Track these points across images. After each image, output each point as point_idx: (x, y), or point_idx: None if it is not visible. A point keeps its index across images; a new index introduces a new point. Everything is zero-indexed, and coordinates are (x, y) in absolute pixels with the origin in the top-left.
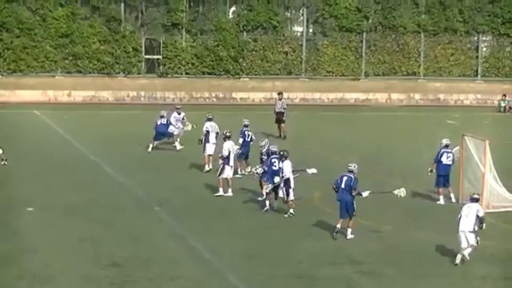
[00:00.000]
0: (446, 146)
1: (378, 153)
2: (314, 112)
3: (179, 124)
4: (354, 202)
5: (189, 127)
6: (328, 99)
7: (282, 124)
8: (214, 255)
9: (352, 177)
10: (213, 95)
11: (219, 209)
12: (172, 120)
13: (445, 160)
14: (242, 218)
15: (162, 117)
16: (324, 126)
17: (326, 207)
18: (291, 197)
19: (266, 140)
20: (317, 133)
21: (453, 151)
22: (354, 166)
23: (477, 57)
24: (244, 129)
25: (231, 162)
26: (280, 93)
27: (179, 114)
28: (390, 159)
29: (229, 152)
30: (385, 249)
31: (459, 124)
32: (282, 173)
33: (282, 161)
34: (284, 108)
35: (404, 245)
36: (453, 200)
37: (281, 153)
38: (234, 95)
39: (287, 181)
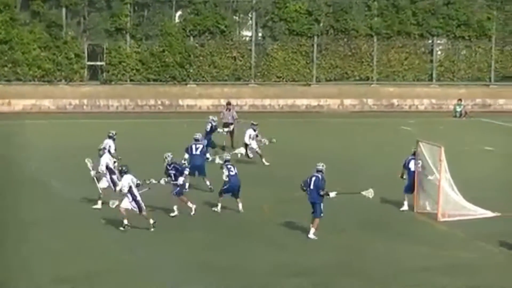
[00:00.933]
0: (415, 153)
1: (332, 161)
2: (264, 119)
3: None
4: (322, 204)
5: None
6: (279, 105)
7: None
8: (169, 267)
9: (320, 176)
10: (159, 102)
11: (175, 221)
12: (246, 137)
13: (412, 167)
14: (199, 230)
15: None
16: (275, 134)
17: (279, 217)
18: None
19: (169, 154)
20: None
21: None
22: (322, 166)
23: (431, 61)
24: (193, 143)
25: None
26: (228, 103)
27: (255, 131)
28: (344, 166)
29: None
30: (345, 259)
31: (414, 130)
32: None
33: (122, 176)
34: (235, 119)
35: (364, 255)
36: (405, 208)
37: (120, 168)
38: (181, 102)
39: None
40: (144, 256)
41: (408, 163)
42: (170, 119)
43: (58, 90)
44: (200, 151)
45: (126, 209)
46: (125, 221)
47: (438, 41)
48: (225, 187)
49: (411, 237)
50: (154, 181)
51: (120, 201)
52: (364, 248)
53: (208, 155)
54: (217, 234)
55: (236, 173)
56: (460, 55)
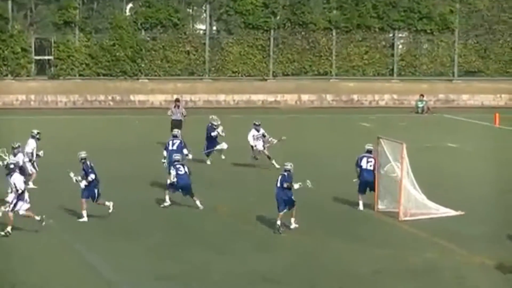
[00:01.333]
0: (368, 151)
1: (289, 159)
2: (218, 116)
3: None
4: (293, 196)
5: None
6: (234, 101)
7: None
8: (119, 276)
9: (286, 174)
10: (110, 98)
11: (124, 226)
12: (250, 138)
13: (364, 165)
14: (150, 236)
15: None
16: (229, 131)
17: (239, 222)
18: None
19: (84, 152)
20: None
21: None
22: (291, 165)
23: (392, 55)
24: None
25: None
26: (177, 100)
27: (258, 131)
28: (301, 164)
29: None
30: (303, 265)
31: (374, 127)
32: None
33: (11, 175)
34: (184, 116)
35: (317, 258)
36: (361, 208)
37: (8, 166)
38: (132, 97)
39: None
40: (90, 264)
41: (360, 161)
42: (121, 115)
43: (4, 85)
44: (177, 147)
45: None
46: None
47: (399, 35)
48: (172, 184)
49: (369, 238)
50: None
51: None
52: (318, 251)
53: (186, 151)
54: (169, 240)
55: (186, 172)
56: (422, 49)
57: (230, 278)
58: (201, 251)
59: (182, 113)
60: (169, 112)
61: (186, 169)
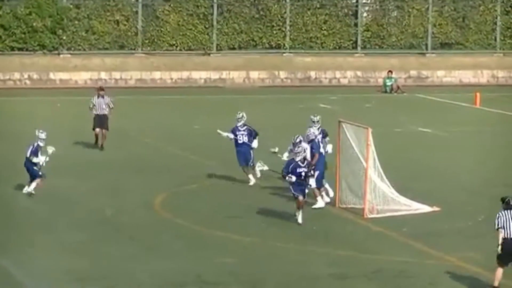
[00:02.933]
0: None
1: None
2: (153, 96)
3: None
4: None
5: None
6: (172, 79)
7: (104, 130)
8: (30, 277)
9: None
10: (26, 76)
11: (38, 220)
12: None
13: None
14: (66, 232)
15: None
16: (167, 114)
17: (169, 215)
18: None
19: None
20: (157, 124)
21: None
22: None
23: (356, 24)
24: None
25: None
26: (101, 89)
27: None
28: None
29: None
30: (245, 266)
31: (336, 108)
32: None
33: None
34: (110, 107)
35: (269, 260)
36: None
37: None
38: (52, 76)
39: None
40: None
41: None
42: (39, 96)
43: None
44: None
45: None
46: None
47: (364, 1)
48: None
49: (328, 238)
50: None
51: None
52: (264, 251)
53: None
54: (90, 235)
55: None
56: (391, 17)
57: (156, 278)
58: (121, 247)
59: (108, 105)
60: (90, 105)
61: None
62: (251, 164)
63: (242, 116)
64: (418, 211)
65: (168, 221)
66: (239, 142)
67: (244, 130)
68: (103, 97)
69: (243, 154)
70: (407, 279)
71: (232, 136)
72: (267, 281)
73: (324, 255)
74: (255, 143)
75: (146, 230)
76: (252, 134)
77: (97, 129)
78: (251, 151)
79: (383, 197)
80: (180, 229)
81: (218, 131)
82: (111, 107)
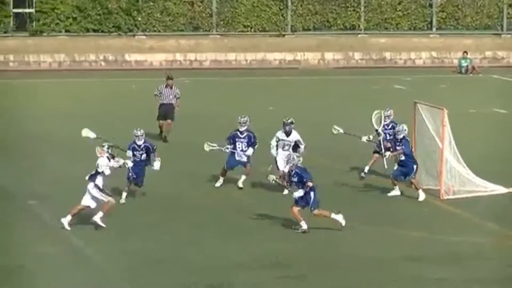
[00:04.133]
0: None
1: (313, 127)
2: (228, 78)
3: None
4: None
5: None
6: (246, 61)
7: (169, 120)
8: (107, 260)
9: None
10: (101, 57)
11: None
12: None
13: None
14: (135, 217)
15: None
16: (242, 95)
17: (252, 200)
18: None
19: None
20: (231, 106)
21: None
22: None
23: (431, 5)
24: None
25: None
26: (169, 78)
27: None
28: (327, 133)
29: None
30: (317, 249)
31: (411, 89)
32: None
33: None
34: (177, 98)
35: (342, 243)
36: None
37: None
38: (127, 57)
39: None
40: (75, 248)
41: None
42: (115, 78)
43: None
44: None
45: None
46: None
47: None
48: None
49: (405, 219)
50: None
51: None
52: (340, 234)
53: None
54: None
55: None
56: None
57: (224, 261)
58: (189, 231)
59: (175, 96)
60: (156, 92)
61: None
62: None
63: (246, 120)
64: (494, 192)
65: (240, 203)
66: (238, 149)
67: (245, 137)
68: (171, 87)
69: (237, 162)
70: (484, 261)
71: (230, 147)
72: (339, 264)
73: (398, 236)
74: (250, 151)
75: (222, 212)
76: (251, 140)
77: (161, 121)
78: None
79: (459, 178)
80: (256, 210)
81: (207, 146)
82: (178, 97)
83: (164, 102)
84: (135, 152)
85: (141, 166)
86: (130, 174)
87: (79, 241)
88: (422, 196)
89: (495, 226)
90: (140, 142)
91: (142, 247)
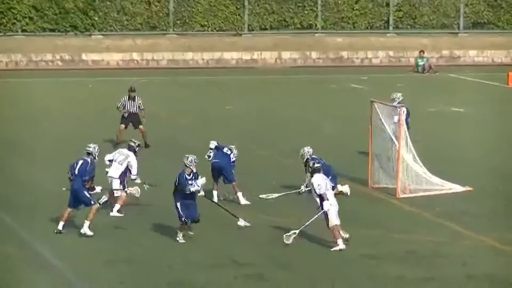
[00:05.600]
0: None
1: (269, 126)
2: (184, 77)
3: None
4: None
5: None
6: (203, 60)
7: (141, 127)
8: (65, 261)
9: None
10: (58, 57)
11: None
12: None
13: None
14: (96, 215)
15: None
16: (199, 95)
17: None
18: None
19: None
20: (188, 106)
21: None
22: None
23: (388, 4)
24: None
25: None
26: (132, 90)
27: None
28: (284, 133)
29: None
30: (273, 246)
31: (368, 88)
32: None
33: None
34: (141, 109)
35: (296, 240)
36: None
37: None
38: (84, 57)
39: None
40: (33, 249)
41: None
42: (72, 77)
43: None
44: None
45: None
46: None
47: None
48: None
49: (362, 218)
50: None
51: None
52: (300, 232)
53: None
54: (120, 218)
55: None
56: None
57: (187, 261)
58: (149, 231)
59: (139, 107)
60: (119, 104)
61: None
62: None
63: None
64: (451, 191)
65: (202, 203)
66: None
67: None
68: (134, 99)
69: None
70: (440, 259)
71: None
72: (297, 262)
73: (356, 235)
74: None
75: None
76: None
77: (122, 126)
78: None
79: (415, 176)
80: (212, 211)
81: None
82: (142, 108)
83: (131, 111)
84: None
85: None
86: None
87: (40, 244)
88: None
89: (452, 225)
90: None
91: (103, 248)
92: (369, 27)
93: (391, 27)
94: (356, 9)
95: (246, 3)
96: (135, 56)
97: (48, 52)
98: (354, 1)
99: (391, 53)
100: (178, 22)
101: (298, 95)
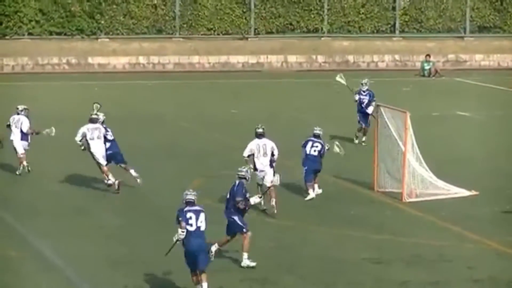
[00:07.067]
0: (315, 136)
1: (276, 129)
2: (190, 81)
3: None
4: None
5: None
6: (209, 63)
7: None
8: (67, 262)
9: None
10: (64, 60)
11: (73, 207)
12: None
13: (308, 150)
14: (103, 218)
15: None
16: (204, 98)
17: (207, 200)
18: None
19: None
20: (194, 109)
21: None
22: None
23: (394, 8)
24: None
25: None
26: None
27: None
28: (290, 136)
29: None
30: (278, 249)
31: (374, 92)
32: None
33: None
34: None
35: (304, 244)
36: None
37: None
38: (90, 60)
39: None
40: (35, 249)
41: (305, 145)
42: (78, 81)
43: None
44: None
45: None
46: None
47: None
48: None
49: (368, 222)
50: None
51: None
52: (305, 236)
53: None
54: (126, 220)
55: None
56: (429, 1)
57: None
58: (154, 232)
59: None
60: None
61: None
62: None
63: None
64: (457, 195)
65: (205, 207)
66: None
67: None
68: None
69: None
70: (446, 263)
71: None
72: (302, 266)
73: (361, 239)
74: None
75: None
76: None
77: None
78: None
79: (421, 181)
80: (216, 214)
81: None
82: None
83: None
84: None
85: None
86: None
87: (41, 244)
88: None
89: (457, 228)
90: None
91: (104, 249)
92: (375, 31)
93: (397, 31)
94: (362, 13)
95: (252, 7)
96: (141, 59)
97: (54, 55)
98: (360, 5)
99: (397, 57)
100: (184, 25)
101: (304, 99)
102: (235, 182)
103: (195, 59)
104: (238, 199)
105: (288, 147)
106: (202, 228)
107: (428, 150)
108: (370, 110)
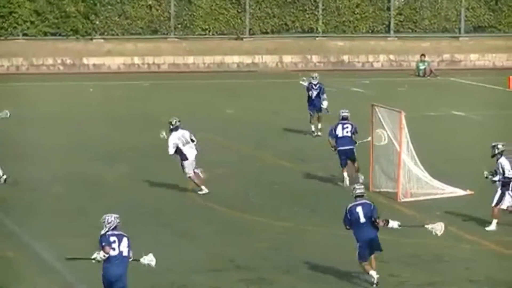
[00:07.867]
0: (343, 118)
1: (271, 131)
2: (186, 81)
3: None
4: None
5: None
6: (204, 64)
7: None
8: (65, 263)
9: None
10: (59, 61)
11: (72, 207)
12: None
13: (340, 132)
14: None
15: None
16: (199, 99)
17: (202, 200)
18: None
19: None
20: (189, 109)
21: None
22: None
23: (389, 8)
24: None
25: None
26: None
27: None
28: (286, 137)
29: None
30: (275, 250)
31: (368, 92)
32: None
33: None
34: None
35: (299, 245)
36: (346, 183)
37: None
38: (85, 61)
39: None
40: (33, 251)
41: (335, 130)
42: (73, 81)
43: None
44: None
45: None
46: None
47: None
48: None
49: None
50: None
51: None
52: (302, 236)
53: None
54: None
55: None
56: (424, 1)
57: (186, 263)
58: (150, 232)
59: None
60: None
61: None
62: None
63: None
64: (452, 195)
65: (200, 206)
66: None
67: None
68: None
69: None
70: (443, 264)
71: None
72: (300, 266)
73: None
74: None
75: (178, 215)
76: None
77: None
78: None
79: (416, 180)
80: (212, 214)
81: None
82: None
83: None
84: None
85: None
86: None
87: (40, 246)
88: None
89: (454, 229)
90: None
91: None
92: (370, 31)
93: (392, 31)
94: (357, 13)
95: (247, 7)
96: (136, 60)
97: (49, 56)
98: (355, 5)
99: (392, 57)
100: (179, 26)
101: (299, 99)
102: None
103: (190, 59)
104: None
105: (285, 147)
106: (125, 254)
107: (423, 149)
108: (325, 104)
